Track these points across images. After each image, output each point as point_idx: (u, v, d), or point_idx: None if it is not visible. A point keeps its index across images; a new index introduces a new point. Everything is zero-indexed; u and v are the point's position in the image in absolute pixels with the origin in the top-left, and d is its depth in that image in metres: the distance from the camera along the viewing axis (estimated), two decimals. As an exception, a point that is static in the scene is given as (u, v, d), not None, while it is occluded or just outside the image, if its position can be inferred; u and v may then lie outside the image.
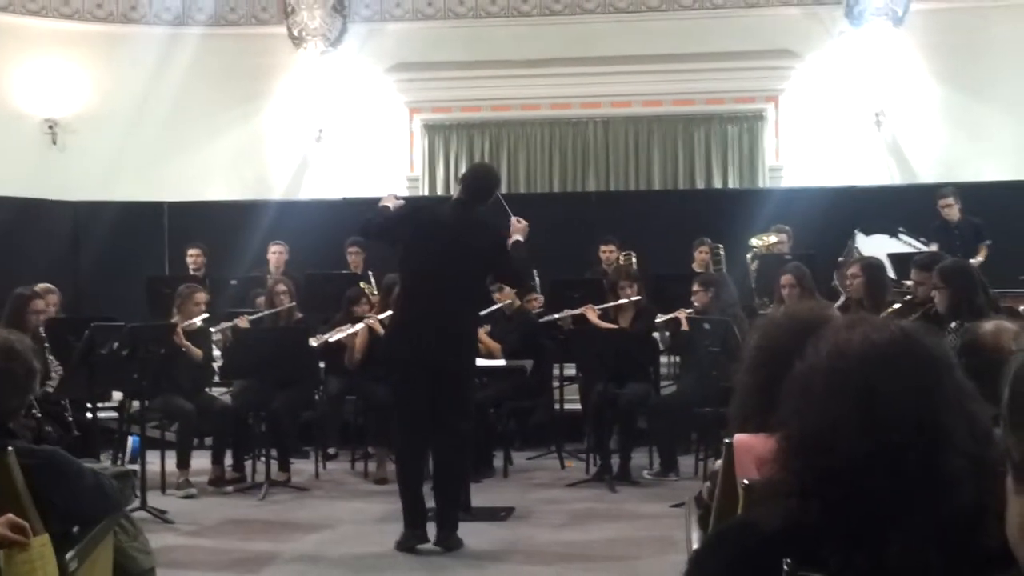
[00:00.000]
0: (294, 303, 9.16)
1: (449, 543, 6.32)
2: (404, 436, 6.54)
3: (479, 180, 6.65)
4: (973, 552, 1.72)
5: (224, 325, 8.86)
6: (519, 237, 6.57)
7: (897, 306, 6.80)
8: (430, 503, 6.43)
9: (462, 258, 6.30)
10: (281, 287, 9.19)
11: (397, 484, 6.46)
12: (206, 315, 8.60)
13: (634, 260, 10.88)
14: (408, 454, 6.48)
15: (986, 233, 10.59)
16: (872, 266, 7.71)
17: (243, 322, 8.98)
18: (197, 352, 8.33)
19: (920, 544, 1.71)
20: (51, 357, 7.38)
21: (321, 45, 14.23)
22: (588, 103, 14.31)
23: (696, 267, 10.75)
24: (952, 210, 10.66)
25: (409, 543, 6.26)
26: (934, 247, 10.01)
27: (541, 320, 9.30)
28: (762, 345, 2.87)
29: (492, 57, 14.09)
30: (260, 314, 9.04)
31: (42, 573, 3.01)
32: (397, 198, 6.82)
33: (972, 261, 9.71)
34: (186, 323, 8.32)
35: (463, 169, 14.30)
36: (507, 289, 9.14)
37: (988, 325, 3.45)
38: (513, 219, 6.65)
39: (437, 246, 6.34)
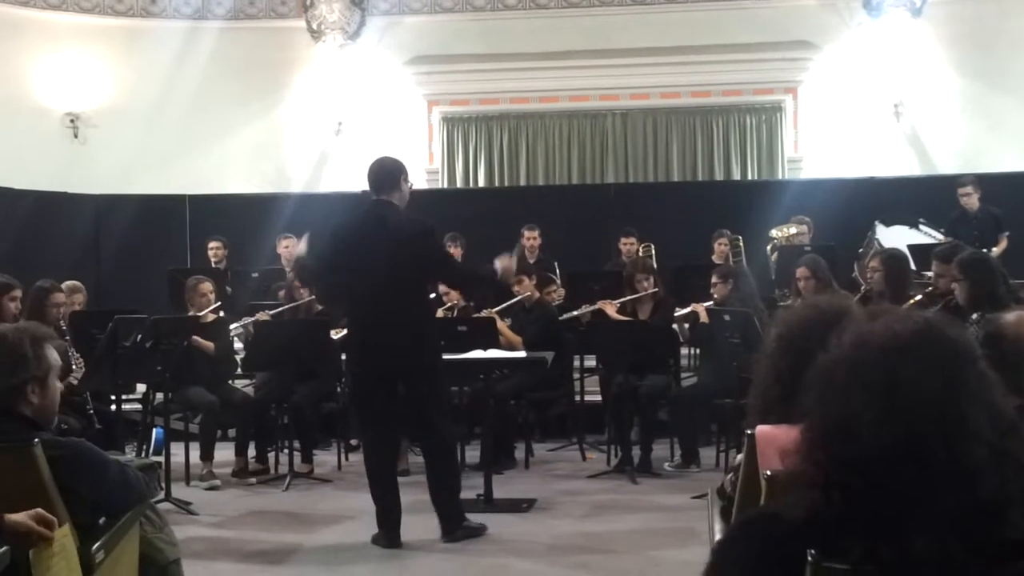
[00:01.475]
0: (313, 296, 9.17)
1: (451, 536, 6.34)
2: (370, 442, 6.53)
3: (380, 172, 6.41)
4: (995, 542, 1.73)
5: (245, 321, 8.89)
6: (496, 265, 6.45)
7: (918, 298, 6.78)
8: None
9: (387, 255, 6.11)
10: None
11: (369, 487, 6.42)
12: (217, 303, 8.62)
13: (652, 252, 10.88)
14: (375, 464, 6.43)
15: (1005, 223, 10.55)
16: (893, 258, 7.63)
17: (265, 317, 9.01)
18: (208, 345, 8.36)
19: (942, 534, 1.72)
20: (73, 350, 7.41)
21: (340, 38, 14.28)
22: (606, 95, 14.31)
23: (715, 259, 10.74)
24: (971, 199, 10.61)
25: (379, 543, 6.26)
26: (946, 237, 9.97)
27: (560, 318, 9.29)
28: (782, 336, 2.89)
29: (510, 50, 14.10)
30: (280, 308, 9.07)
31: (64, 564, 3.03)
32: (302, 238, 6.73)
33: (993, 251, 9.71)
34: (202, 313, 8.35)
35: (482, 161, 14.38)
36: (527, 281, 9.15)
37: (1010, 316, 3.44)
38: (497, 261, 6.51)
39: (361, 251, 6.20)
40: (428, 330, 6.50)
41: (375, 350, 6.21)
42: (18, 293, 7.27)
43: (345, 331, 8.77)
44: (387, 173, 6.37)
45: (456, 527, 6.37)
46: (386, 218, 6.24)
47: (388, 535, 6.27)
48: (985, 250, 9.74)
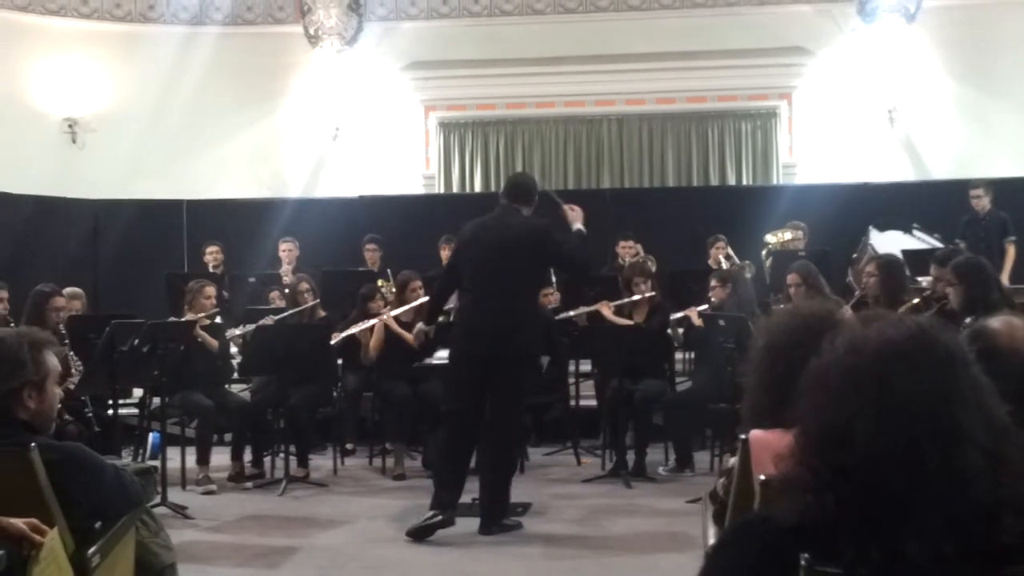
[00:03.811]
0: (318, 300, 9.21)
1: (490, 531, 6.53)
2: (454, 423, 6.73)
3: (516, 184, 7.05)
4: (988, 546, 1.74)
5: (249, 327, 8.89)
6: (578, 225, 6.89)
7: (914, 302, 6.80)
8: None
9: (503, 258, 6.60)
10: (304, 285, 9.23)
11: (432, 473, 6.68)
12: (217, 309, 8.65)
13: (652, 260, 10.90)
14: (455, 438, 6.69)
15: (1011, 228, 10.55)
16: (889, 263, 7.65)
17: (269, 323, 9.02)
18: (213, 342, 8.39)
19: (935, 539, 1.73)
20: (72, 354, 7.42)
21: (337, 44, 14.30)
22: (602, 101, 14.34)
23: (711, 263, 10.76)
24: (981, 201, 10.60)
25: (427, 521, 6.40)
26: (957, 242, 10.00)
27: (556, 318, 9.31)
28: (769, 343, 2.89)
29: (507, 55, 14.12)
30: (284, 313, 9.07)
31: (55, 567, 3.03)
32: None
33: (1007, 261, 9.79)
34: (198, 316, 8.37)
35: (478, 166, 14.41)
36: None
37: (997, 323, 3.45)
38: (565, 207, 6.98)
39: (480, 254, 6.72)
40: (529, 328, 6.79)
41: (480, 336, 6.59)
42: (4, 294, 7.28)
43: (344, 335, 8.84)
44: (521, 185, 7.04)
45: (495, 523, 6.57)
46: (511, 224, 6.75)
47: (447, 514, 6.44)
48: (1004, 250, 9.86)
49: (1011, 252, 10.36)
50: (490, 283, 6.66)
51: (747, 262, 10.92)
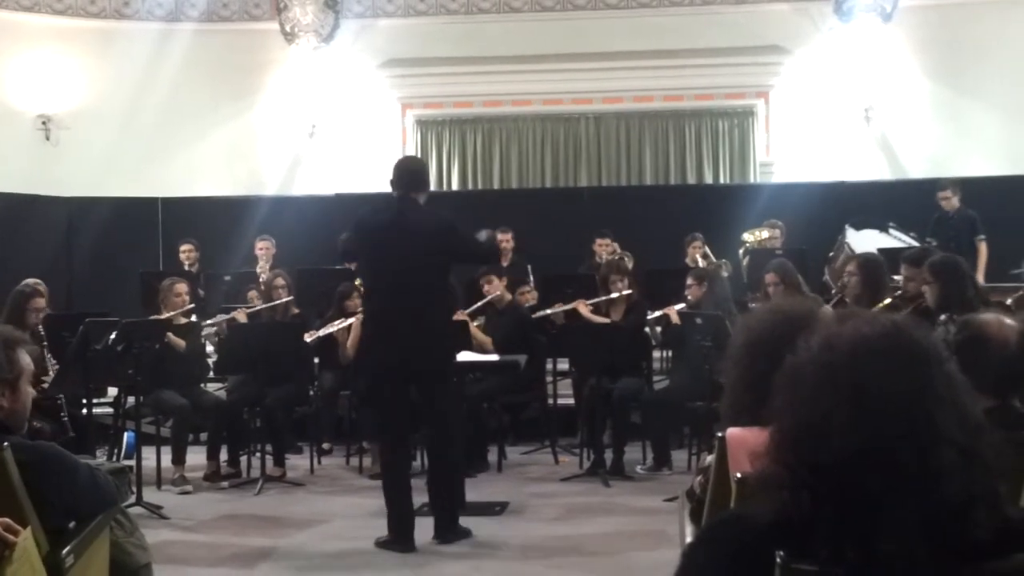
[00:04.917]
0: (291, 297, 9.18)
1: (447, 538, 6.35)
2: (388, 444, 6.52)
3: (410, 171, 6.59)
4: (963, 543, 1.74)
5: (221, 318, 8.86)
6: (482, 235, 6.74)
7: (888, 301, 6.82)
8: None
9: (413, 251, 6.22)
10: (280, 281, 9.21)
11: (384, 491, 6.38)
12: (191, 306, 8.60)
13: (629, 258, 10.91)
14: (393, 460, 6.43)
15: (981, 227, 10.63)
16: (870, 262, 7.61)
17: (241, 316, 8.99)
18: (179, 343, 8.34)
19: (909, 536, 1.73)
20: (49, 355, 7.37)
21: (313, 41, 14.26)
22: (580, 99, 14.35)
23: (688, 262, 10.78)
24: (950, 202, 10.69)
25: (392, 548, 6.22)
26: (929, 241, 10.05)
27: (533, 316, 9.31)
28: (748, 340, 2.90)
29: (484, 53, 14.11)
30: (257, 308, 9.04)
31: (28, 567, 3.01)
32: None
33: (979, 259, 9.84)
34: (172, 314, 8.32)
35: (455, 164, 14.39)
36: (496, 281, 9.17)
37: (988, 317, 3.46)
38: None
39: (386, 248, 6.31)
40: (447, 324, 6.61)
41: (400, 344, 6.22)
42: None
43: (320, 333, 8.81)
44: (415, 172, 6.60)
45: (449, 530, 6.39)
46: (412, 214, 6.35)
47: (404, 541, 6.23)
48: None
49: (982, 250, 10.43)
50: (403, 287, 6.23)
51: (724, 261, 10.95)
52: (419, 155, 14.43)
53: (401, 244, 6.23)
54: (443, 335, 6.50)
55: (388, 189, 6.59)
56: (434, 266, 6.32)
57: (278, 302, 9.00)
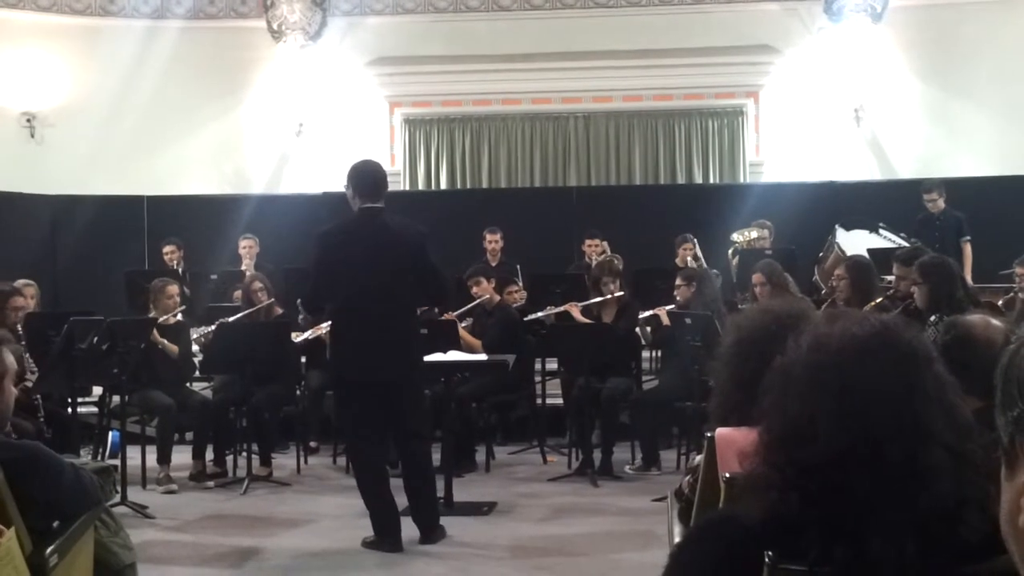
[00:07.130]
0: (272, 300, 9.14)
1: (432, 539, 6.33)
2: (361, 453, 6.44)
3: (377, 179, 6.47)
4: (952, 544, 1.73)
5: (205, 330, 8.82)
6: None
7: (877, 301, 6.82)
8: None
9: (382, 261, 6.14)
10: (257, 284, 9.17)
11: (362, 497, 6.32)
12: (182, 307, 8.57)
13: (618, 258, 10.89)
14: (367, 467, 6.37)
15: (967, 228, 10.64)
16: (859, 265, 7.61)
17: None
18: (173, 348, 8.32)
19: (899, 536, 1.72)
20: (27, 356, 7.32)
21: (301, 39, 14.21)
22: (569, 98, 14.34)
23: (679, 263, 10.77)
24: (936, 204, 10.72)
25: (378, 548, 6.19)
26: (915, 242, 10.06)
27: (525, 319, 9.29)
28: (738, 340, 2.89)
29: (473, 51, 14.09)
30: (239, 315, 9.00)
31: (12, 567, 2.99)
32: None
33: (965, 260, 9.84)
34: (163, 318, 8.29)
35: (444, 163, 14.36)
36: (485, 283, 9.16)
37: (975, 318, 3.46)
38: None
39: (355, 260, 6.17)
40: (415, 335, 6.50)
41: (370, 356, 6.13)
42: None
43: (307, 335, 8.78)
44: (380, 178, 6.47)
45: (433, 532, 6.36)
46: (381, 223, 6.25)
47: (391, 541, 6.19)
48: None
49: (967, 251, 10.45)
50: (376, 300, 6.13)
51: (715, 271, 10.90)
52: (407, 154, 14.45)
53: (384, 255, 6.15)
54: (416, 348, 6.43)
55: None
56: (408, 278, 6.23)
57: (259, 306, 8.97)
